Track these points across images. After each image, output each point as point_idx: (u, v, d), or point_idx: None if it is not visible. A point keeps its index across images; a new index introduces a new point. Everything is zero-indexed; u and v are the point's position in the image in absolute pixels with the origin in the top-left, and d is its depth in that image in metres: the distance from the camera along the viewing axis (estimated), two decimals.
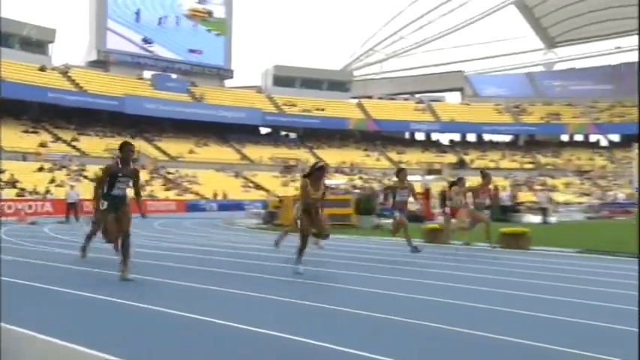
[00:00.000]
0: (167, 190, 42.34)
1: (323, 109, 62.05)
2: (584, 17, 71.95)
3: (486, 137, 67.36)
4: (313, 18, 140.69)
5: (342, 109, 63.50)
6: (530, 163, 62.12)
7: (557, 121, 66.01)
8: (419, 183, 37.38)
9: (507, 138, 67.66)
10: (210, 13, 59.63)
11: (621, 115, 65.67)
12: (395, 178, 10.72)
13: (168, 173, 46.44)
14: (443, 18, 69.90)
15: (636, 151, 43.62)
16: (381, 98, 68.29)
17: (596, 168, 59.55)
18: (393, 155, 61.18)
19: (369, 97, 67.83)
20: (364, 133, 63.64)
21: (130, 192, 7.26)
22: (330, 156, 58.11)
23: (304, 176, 7.81)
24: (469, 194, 12.09)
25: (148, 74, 56.07)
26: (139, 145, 49.90)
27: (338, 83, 66.18)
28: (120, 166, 7.10)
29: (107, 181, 7.07)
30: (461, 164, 59.11)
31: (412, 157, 60.42)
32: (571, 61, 77.15)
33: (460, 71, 73.13)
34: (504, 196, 24.89)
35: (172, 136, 54.61)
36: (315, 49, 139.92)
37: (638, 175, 40.00)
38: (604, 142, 66.34)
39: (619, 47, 75.13)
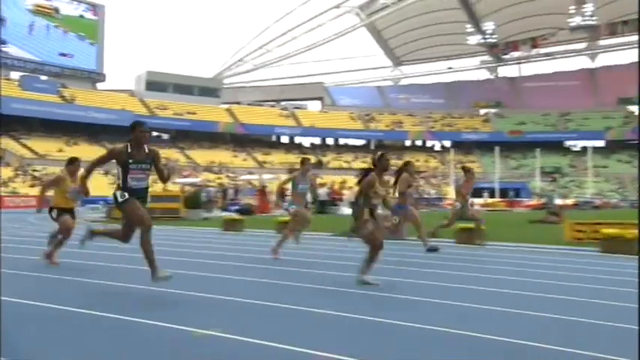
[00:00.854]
0: (32, 186, 40.07)
1: (194, 113, 61.76)
2: (423, 41, 78.09)
3: (342, 141, 70.66)
4: (188, 28, 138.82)
5: (212, 113, 63.57)
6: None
7: (401, 129, 70.93)
8: (257, 180, 38.79)
9: (360, 142, 71.50)
10: (56, 10, 56.93)
11: (451, 124, 72.18)
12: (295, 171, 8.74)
13: (35, 170, 43.94)
14: (305, 35, 72.40)
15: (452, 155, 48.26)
16: (249, 104, 69.26)
17: (429, 168, 64.85)
18: (259, 156, 62.34)
19: (239, 103, 68.58)
20: (233, 136, 64.18)
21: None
22: (201, 156, 58.09)
23: (368, 170, 5.90)
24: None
25: (15, 75, 52.70)
26: (6, 143, 46.81)
27: (209, 89, 66.18)
28: (130, 150, 5.12)
29: (120, 169, 5.14)
30: (319, 164, 61.68)
31: (276, 158, 61.94)
32: (413, 78, 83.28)
33: (320, 83, 76.10)
34: (322, 191, 26.53)
35: (42, 135, 51.63)
36: (189, 58, 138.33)
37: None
38: (438, 147, 72.26)
39: (451, 67, 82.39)
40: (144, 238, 5.07)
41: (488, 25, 74.81)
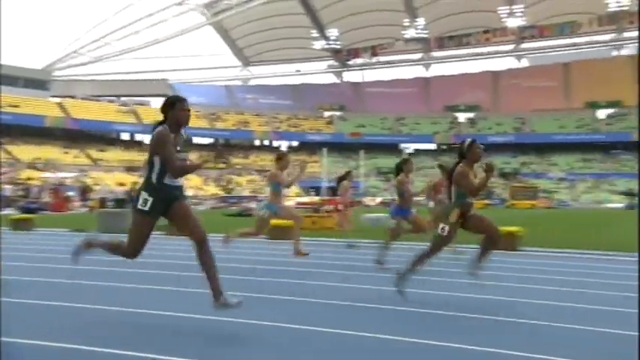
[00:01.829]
0: None
1: (17, 106, 56.76)
2: (272, 43, 79.68)
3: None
4: (13, 16, 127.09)
5: (39, 106, 58.95)
6: (223, 163, 66.07)
7: (247, 128, 71.63)
8: (54, 179, 37.06)
9: (206, 141, 70.81)
10: None
11: (296, 125, 74.47)
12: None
13: None
14: (147, 30, 70.16)
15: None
16: (84, 99, 65.32)
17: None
18: (94, 153, 59.10)
19: (73, 97, 64.35)
20: (65, 131, 60.06)
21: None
22: (24, 152, 53.57)
23: (458, 162, 5.09)
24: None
25: None
26: None
27: (36, 81, 61.32)
28: (173, 135, 3.92)
29: (157, 161, 3.91)
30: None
31: (113, 156, 59.23)
32: (262, 79, 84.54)
33: (165, 79, 74.16)
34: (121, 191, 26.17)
35: None
36: (14, 47, 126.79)
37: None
38: (284, 147, 74.00)
39: (299, 70, 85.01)
40: (203, 249, 3.93)
41: (333, 32, 78.51)
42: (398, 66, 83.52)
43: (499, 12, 73.64)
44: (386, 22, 75.85)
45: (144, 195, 3.88)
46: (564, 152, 70.09)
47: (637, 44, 49.21)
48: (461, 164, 5.00)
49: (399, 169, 7.66)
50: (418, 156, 75.20)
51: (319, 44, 79.48)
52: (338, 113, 78.57)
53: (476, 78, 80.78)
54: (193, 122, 66.22)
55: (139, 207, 3.89)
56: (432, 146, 74.97)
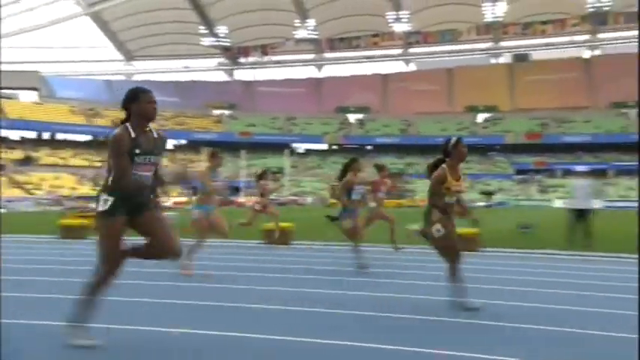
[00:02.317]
0: None
1: None
2: (157, 38, 76.39)
3: (61, 136, 64.64)
4: None
5: None
6: (100, 161, 62.21)
7: None
8: None
9: (83, 138, 66.32)
10: None
11: (183, 123, 71.86)
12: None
13: None
14: (12, 18, 64.46)
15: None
16: None
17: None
18: None
19: None
20: None
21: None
22: None
23: (438, 161, 5.00)
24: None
25: None
26: None
27: None
28: (134, 134, 3.48)
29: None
30: (26, 161, 55.31)
31: None
32: (147, 74, 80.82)
33: (36, 71, 68.56)
34: None
35: None
36: None
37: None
38: (169, 146, 71.15)
39: (187, 67, 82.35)
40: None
41: (222, 29, 76.83)
42: (290, 66, 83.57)
43: (387, 17, 75.92)
44: (277, 21, 75.56)
45: (103, 196, 3.47)
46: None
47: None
48: (444, 164, 4.93)
49: (346, 169, 7.37)
50: (309, 156, 75.69)
51: (208, 41, 77.47)
52: (227, 112, 76.97)
53: (366, 80, 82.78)
54: (68, 118, 62.65)
55: (100, 209, 3.45)
56: (323, 146, 75.66)
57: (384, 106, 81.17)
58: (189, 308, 4.73)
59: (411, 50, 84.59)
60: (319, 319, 4.41)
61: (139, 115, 3.48)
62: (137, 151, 3.44)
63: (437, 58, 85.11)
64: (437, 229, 4.79)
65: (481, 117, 78.26)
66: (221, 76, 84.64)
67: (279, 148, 70.91)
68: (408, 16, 76.27)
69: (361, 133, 76.41)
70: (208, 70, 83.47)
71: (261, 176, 10.71)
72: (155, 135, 3.55)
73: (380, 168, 9.76)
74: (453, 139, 5.03)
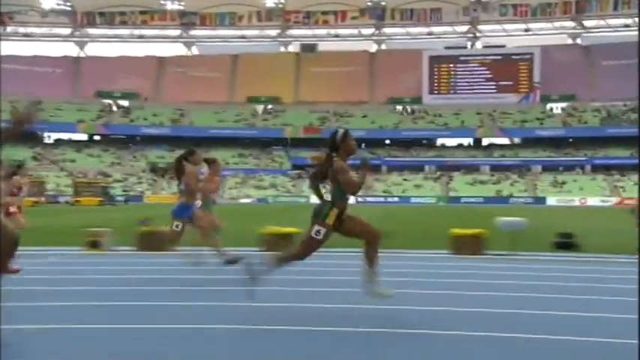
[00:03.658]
0: None
1: None
2: None
3: None
4: None
5: None
6: None
7: None
8: None
9: None
10: None
11: None
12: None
13: None
14: None
15: None
16: None
17: None
18: None
19: None
20: None
21: None
22: None
23: (327, 157, 4.65)
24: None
25: None
26: None
27: None
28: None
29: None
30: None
31: None
32: None
33: None
34: None
35: None
36: None
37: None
38: None
39: None
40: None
41: None
42: (42, 41, 71.90)
43: None
44: None
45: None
46: (222, 147, 68.59)
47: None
48: (336, 158, 4.63)
49: (183, 160, 6.96)
50: (60, 147, 65.69)
51: None
52: None
53: (137, 62, 74.50)
54: None
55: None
56: (80, 136, 66.16)
57: (156, 92, 73.79)
58: None
59: (194, 33, 78.25)
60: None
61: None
62: None
63: (222, 43, 79.91)
64: (318, 230, 4.56)
65: (262, 108, 74.81)
66: None
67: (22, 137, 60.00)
68: None
69: (125, 122, 68.32)
70: None
71: (14, 173, 9.15)
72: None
73: (212, 162, 8.15)
74: (340, 132, 4.77)
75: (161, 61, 76.89)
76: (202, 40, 79.75)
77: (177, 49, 79.53)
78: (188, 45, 79.92)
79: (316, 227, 4.57)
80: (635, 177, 58.85)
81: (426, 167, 68.66)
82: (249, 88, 74.02)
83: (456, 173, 65.70)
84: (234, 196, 57.88)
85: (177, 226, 6.83)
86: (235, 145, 69.10)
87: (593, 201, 53.70)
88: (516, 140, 70.93)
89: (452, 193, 60.69)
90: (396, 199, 59.58)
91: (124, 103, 70.54)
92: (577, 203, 53.24)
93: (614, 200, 53.75)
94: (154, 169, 64.21)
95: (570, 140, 67.06)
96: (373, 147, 69.31)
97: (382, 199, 59.62)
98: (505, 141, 71.19)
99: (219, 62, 77.67)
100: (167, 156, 67.21)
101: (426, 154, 70.10)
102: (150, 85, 73.67)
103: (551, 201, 54.93)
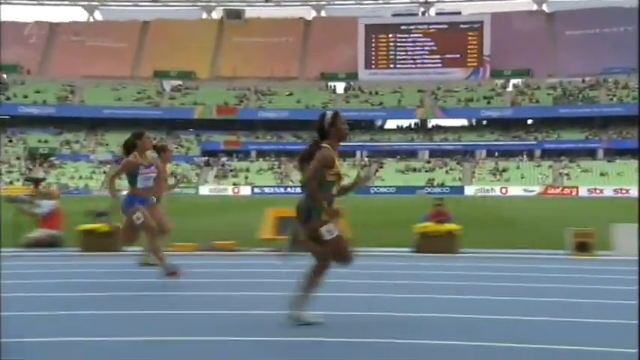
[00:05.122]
0: None
1: None
2: None
3: None
4: None
5: None
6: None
7: None
8: None
9: None
10: None
11: None
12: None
13: None
14: None
15: None
16: None
17: None
18: None
19: None
20: None
21: None
22: None
23: (313, 144, 4.11)
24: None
25: None
26: None
27: None
28: None
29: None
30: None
31: None
32: None
33: None
34: None
35: None
36: None
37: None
38: None
39: None
40: None
41: None
42: None
43: None
44: None
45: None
46: (118, 130, 59.55)
47: None
48: (324, 144, 4.07)
49: (130, 146, 5.95)
50: None
51: None
52: None
53: (23, 29, 64.69)
54: None
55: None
56: None
57: (42, 65, 64.27)
58: None
59: None
60: None
61: None
62: None
63: (132, 8, 70.47)
64: (328, 229, 4.01)
65: (172, 85, 65.75)
66: None
67: None
68: None
69: (1, 99, 58.81)
70: None
71: None
72: None
73: (162, 149, 7.25)
74: (329, 114, 4.17)
75: (53, 28, 67.20)
76: (107, 3, 70.12)
77: (77, 14, 69.95)
78: (90, 9, 70.21)
79: (327, 227, 4.01)
80: (584, 163, 52.28)
81: (358, 153, 60.79)
82: (157, 60, 65.03)
83: (390, 160, 57.99)
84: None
85: (137, 218, 5.72)
86: (134, 128, 59.48)
87: (515, 190, 48.71)
88: (463, 122, 63.35)
89: (379, 182, 53.11)
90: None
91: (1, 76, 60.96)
92: (497, 193, 49.11)
93: (538, 190, 48.67)
94: (32, 155, 55.31)
95: (520, 122, 59.58)
96: (298, 130, 61.13)
97: (292, 190, 52.17)
98: (455, 123, 63.55)
99: (126, 30, 68.41)
100: (52, 140, 58.33)
101: (361, 138, 62.17)
102: (36, 56, 64.04)
103: (470, 190, 49.61)
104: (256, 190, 51.49)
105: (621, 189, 46.10)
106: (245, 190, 51.27)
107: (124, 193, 6.02)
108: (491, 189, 49.98)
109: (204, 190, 50.60)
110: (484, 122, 61.03)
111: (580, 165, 51.67)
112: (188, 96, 63.82)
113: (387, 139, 61.91)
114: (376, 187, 51.21)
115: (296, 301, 4.09)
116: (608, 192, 45.87)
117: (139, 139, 5.88)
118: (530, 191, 48.11)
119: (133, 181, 5.88)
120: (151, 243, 5.90)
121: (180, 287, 5.54)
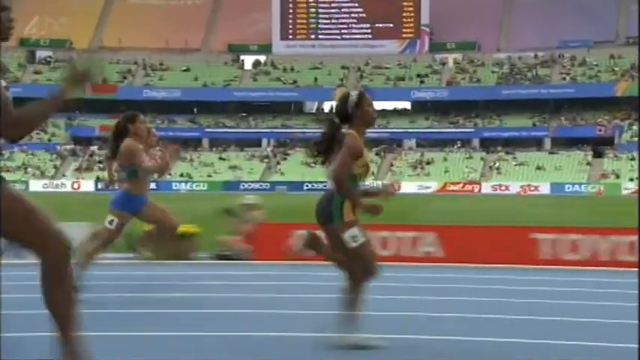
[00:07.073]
0: None
1: None
2: None
3: None
4: None
5: None
6: None
7: None
8: None
9: None
10: None
11: None
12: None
13: None
14: None
15: None
16: None
17: None
18: None
19: None
20: None
21: None
22: None
23: (335, 127, 3.54)
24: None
25: None
26: None
27: None
28: None
29: None
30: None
31: None
32: None
33: None
34: None
35: None
36: None
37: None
38: None
39: None
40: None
41: None
42: None
43: None
44: None
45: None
46: None
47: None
48: (350, 132, 3.50)
49: (123, 129, 5.19)
50: None
51: None
52: None
53: None
54: None
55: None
56: None
57: None
58: None
59: None
60: None
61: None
62: None
63: None
64: (353, 235, 3.49)
65: (39, 57, 55.37)
66: None
67: None
68: None
69: None
70: None
71: None
72: None
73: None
74: (354, 94, 3.57)
75: None
76: None
77: None
78: None
79: (351, 232, 3.49)
80: (523, 155, 44.28)
81: (264, 141, 51.52)
82: (24, 27, 54.28)
83: (300, 150, 48.85)
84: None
85: (110, 222, 5.11)
86: None
87: (410, 187, 40.43)
88: (395, 105, 54.31)
89: (277, 177, 44.32)
90: (201, 185, 43.88)
91: None
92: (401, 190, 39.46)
93: (434, 186, 42.35)
94: None
95: (460, 105, 50.72)
96: (196, 114, 51.39)
97: (184, 185, 43.77)
98: (384, 105, 54.45)
99: None
100: None
101: (270, 123, 52.85)
102: None
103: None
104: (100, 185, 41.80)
105: (529, 185, 39.86)
106: (87, 186, 41.86)
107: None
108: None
109: (36, 186, 40.61)
110: (417, 106, 52.13)
111: (516, 157, 43.34)
112: (58, 70, 53.43)
113: (302, 125, 52.57)
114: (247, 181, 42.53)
115: (342, 322, 3.63)
116: (545, 189, 38.52)
117: (132, 123, 5.14)
118: (427, 187, 41.77)
119: (133, 174, 5.10)
120: (99, 248, 5.12)
121: None
